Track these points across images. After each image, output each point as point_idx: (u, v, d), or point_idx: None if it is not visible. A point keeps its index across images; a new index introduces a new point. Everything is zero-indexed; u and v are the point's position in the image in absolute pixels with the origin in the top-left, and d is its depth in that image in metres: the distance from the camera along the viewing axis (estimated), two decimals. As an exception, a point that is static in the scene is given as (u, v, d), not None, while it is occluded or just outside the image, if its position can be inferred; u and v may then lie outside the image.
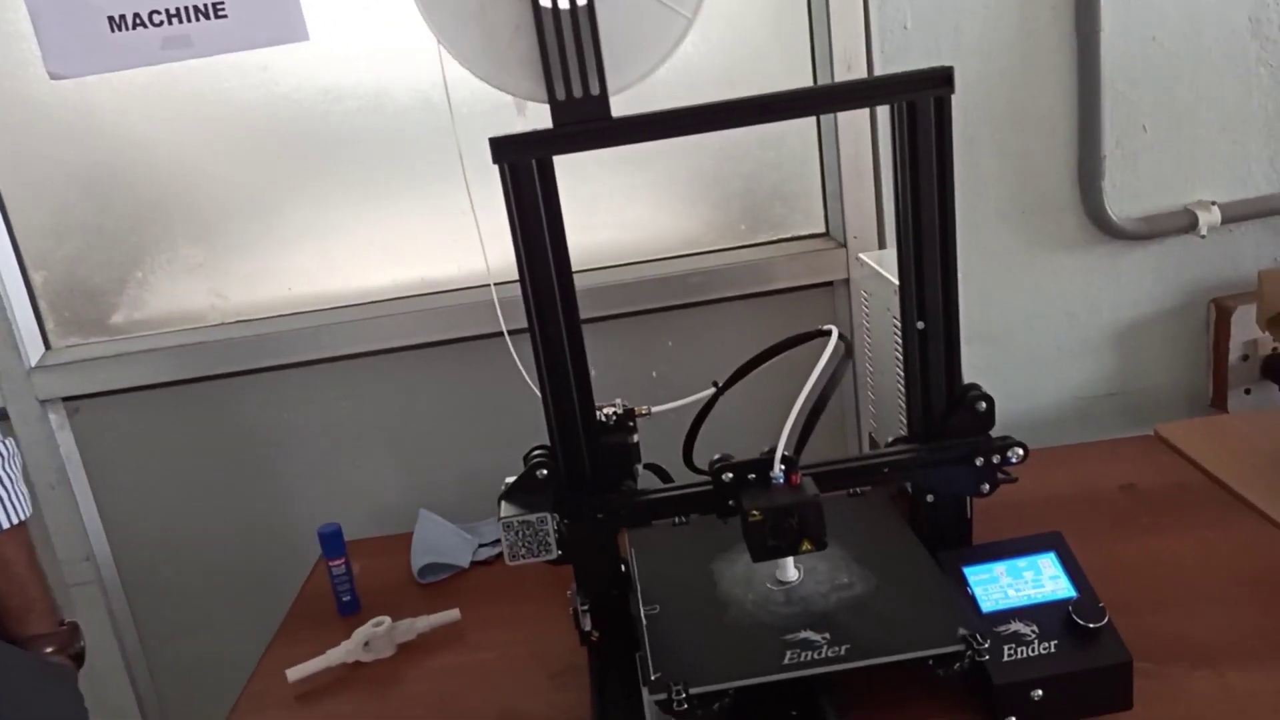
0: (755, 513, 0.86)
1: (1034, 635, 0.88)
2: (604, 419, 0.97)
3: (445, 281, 1.47)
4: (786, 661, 0.84)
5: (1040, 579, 0.92)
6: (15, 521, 1.04)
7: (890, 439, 0.99)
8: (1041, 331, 1.48)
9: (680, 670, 0.84)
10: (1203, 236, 1.42)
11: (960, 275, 0.92)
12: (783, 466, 0.89)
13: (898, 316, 0.97)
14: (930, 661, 0.83)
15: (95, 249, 1.44)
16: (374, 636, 1.12)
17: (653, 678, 0.84)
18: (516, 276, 0.89)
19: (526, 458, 0.96)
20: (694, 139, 1.41)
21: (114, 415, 1.48)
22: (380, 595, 1.24)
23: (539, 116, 0.86)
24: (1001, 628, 0.88)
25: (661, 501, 0.95)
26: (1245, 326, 1.44)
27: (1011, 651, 0.87)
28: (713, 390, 1.01)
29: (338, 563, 1.21)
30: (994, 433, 0.96)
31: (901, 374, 0.99)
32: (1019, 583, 0.92)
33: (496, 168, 0.85)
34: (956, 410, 0.95)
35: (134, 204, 1.42)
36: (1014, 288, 1.46)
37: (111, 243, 1.44)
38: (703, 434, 1.05)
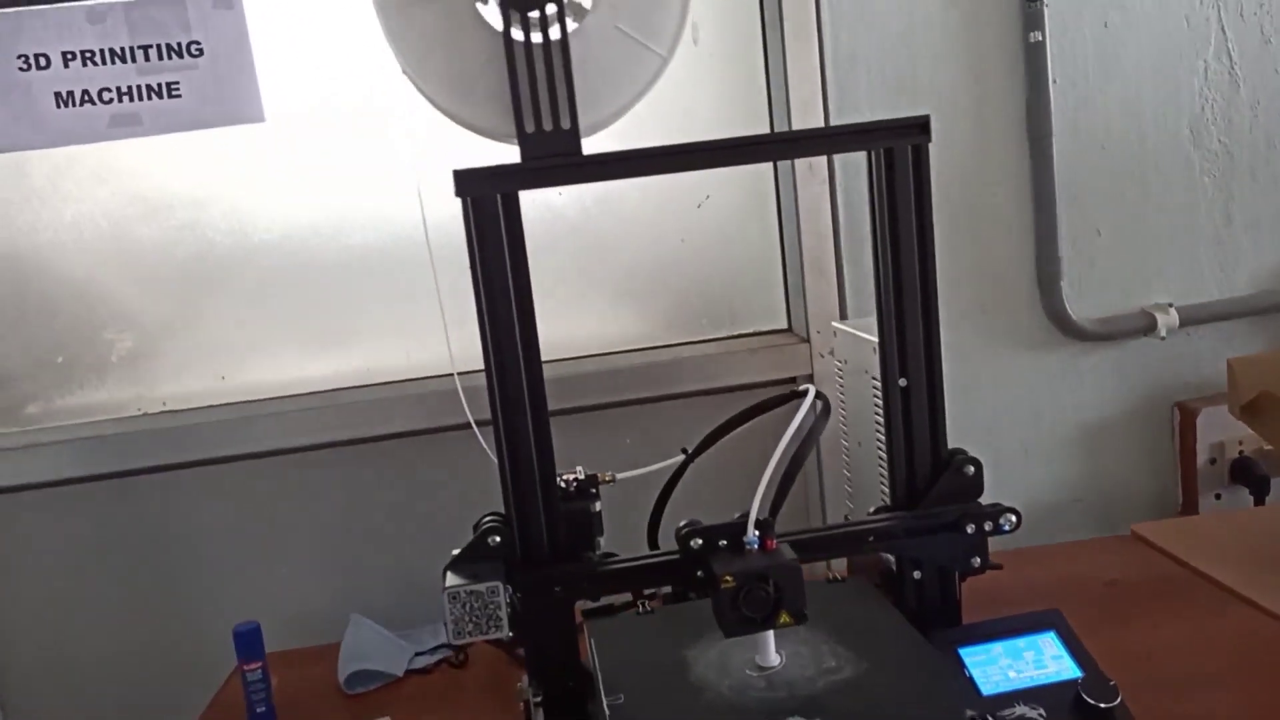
0: (728, 579, 0.78)
1: (1041, 718, 0.79)
2: (564, 485, 0.89)
3: (392, 371, 1.39)
4: (773, 747, 0.74)
5: (1042, 659, 0.84)
6: None
7: (871, 510, 0.92)
8: (1007, 432, 1.45)
9: None
10: (1162, 338, 1.42)
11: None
12: (756, 531, 0.81)
13: (877, 378, 0.92)
14: (934, 746, 0.74)
15: (11, 331, 1.35)
16: (291, 749, 0.98)
17: None
18: (478, 368, 0.83)
19: (476, 525, 0.87)
20: (653, 234, 1.42)
21: (15, 513, 1.35)
22: (300, 708, 1.11)
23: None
24: (1006, 712, 0.79)
25: (626, 572, 0.86)
26: (1211, 429, 1.42)
27: (1019, 737, 0.78)
28: (682, 458, 0.94)
29: (253, 667, 1.07)
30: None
31: (881, 442, 0.94)
32: (1019, 663, 0.84)
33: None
34: (942, 475, 0.89)
35: (56, 285, 1.34)
36: (977, 386, 1.43)
37: (30, 325, 1.35)
38: (669, 512, 0.97)
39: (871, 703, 0.78)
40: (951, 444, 0.91)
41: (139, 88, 1.26)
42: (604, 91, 0.82)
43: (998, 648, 0.85)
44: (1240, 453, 1.42)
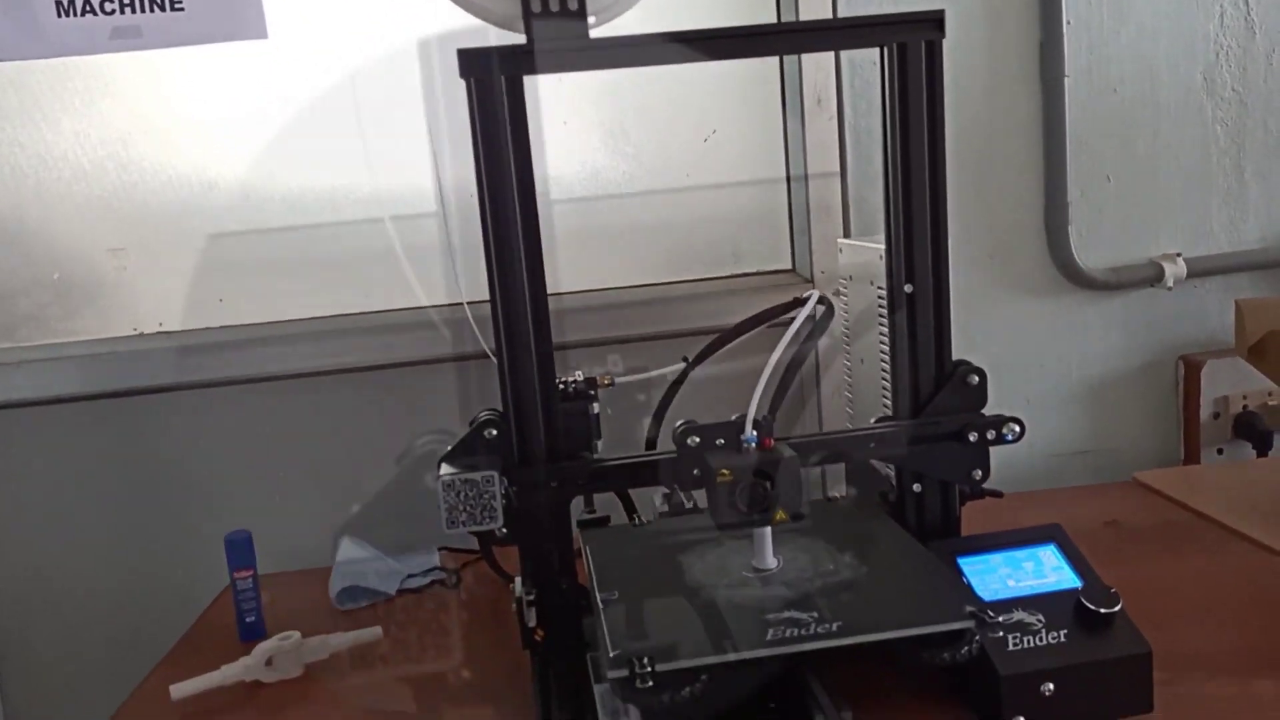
0: (724, 472, 0.76)
1: (1041, 624, 0.77)
2: (563, 385, 0.88)
3: (392, 301, 1.38)
4: (770, 638, 0.72)
5: (1042, 569, 0.83)
6: None
7: (873, 419, 0.91)
8: (1010, 382, 1.43)
9: (645, 648, 0.71)
10: (1169, 289, 1.40)
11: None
12: (754, 431, 0.80)
13: (883, 287, 0.91)
14: (933, 644, 0.72)
15: (8, 248, 1.33)
16: (279, 652, 0.97)
17: (612, 653, 0.71)
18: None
19: (473, 420, 0.85)
20: (657, 167, 1.40)
21: (8, 430, 1.33)
22: (290, 620, 1.09)
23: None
24: (1004, 617, 0.78)
25: (622, 469, 0.85)
26: (1216, 383, 1.41)
27: (1017, 641, 0.76)
28: (682, 365, 0.93)
29: (244, 574, 1.06)
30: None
31: (885, 354, 0.92)
32: (1019, 573, 0.83)
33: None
34: (945, 385, 0.88)
35: (55, 202, 1.33)
36: (982, 333, 1.41)
37: (28, 242, 1.33)
38: (670, 421, 0.95)
39: (868, 600, 0.77)
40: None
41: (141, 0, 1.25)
42: (614, -23, 0.80)
43: (997, 558, 0.84)
44: (1244, 407, 1.40)
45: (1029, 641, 0.76)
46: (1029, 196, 1.40)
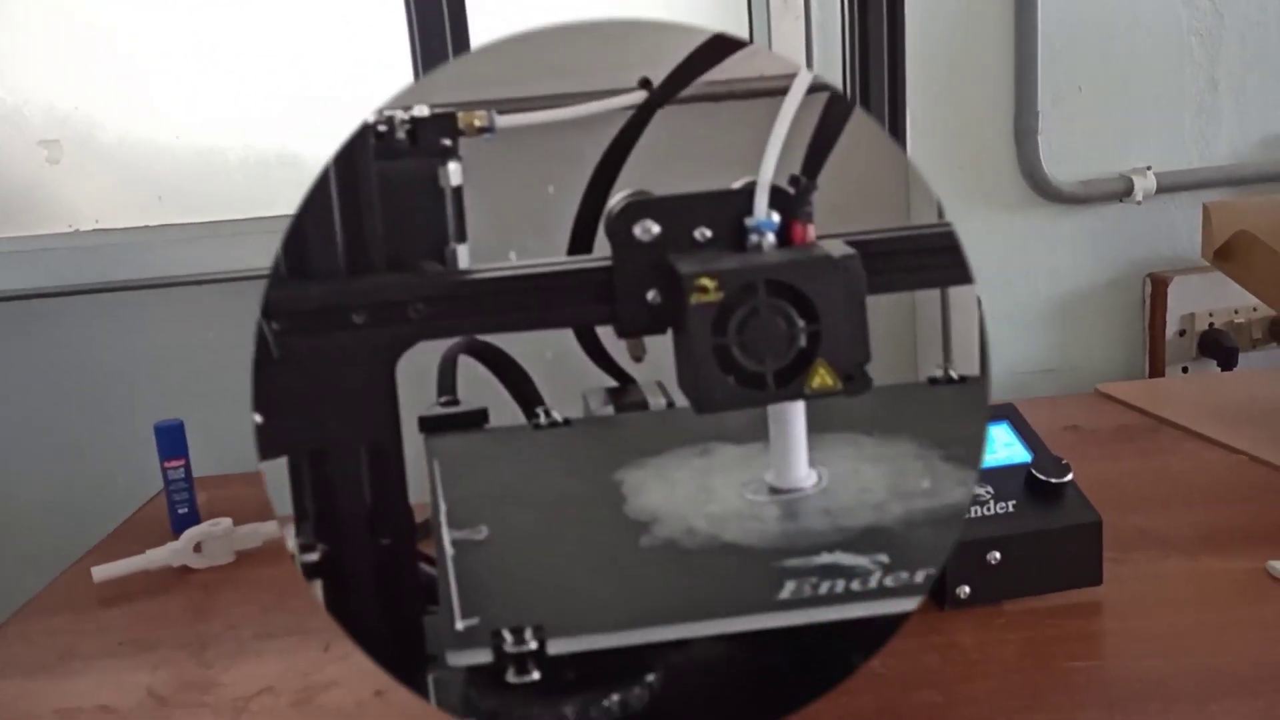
0: (705, 283, 0.42)
1: (989, 495, 0.75)
2: (383, 124, 0.49)
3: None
4: (787, 597, 0.45)
5: (993, 446, 0.80)
6: None
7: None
8: (976, 297, 1.40)
9: (527, 615, 0.43)
10: (1139, 203, 1.38)
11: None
12: (773, 213, 0.45)
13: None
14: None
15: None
16: (208, 538, 0.93)
17: (460, 623, 0.43)
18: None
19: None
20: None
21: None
22: (226, 512, 1.05)
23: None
24: (952, 489, 0.75)
25: (498, 287, 0.46)
26: (1182, 300, 1.39)
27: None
28: (642, 94, 0.54)
29: (176, 464, 1.02)
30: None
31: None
32: (970, 449, 0.80)
33: None
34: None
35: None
36: (949, 245, 1.38)
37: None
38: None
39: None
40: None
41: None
42: None
43: (948, 434, 0.81)
44: (1210, 325, 1.38)
45: (976, 512, 0.74)
46: (999, 104, 1.36)
